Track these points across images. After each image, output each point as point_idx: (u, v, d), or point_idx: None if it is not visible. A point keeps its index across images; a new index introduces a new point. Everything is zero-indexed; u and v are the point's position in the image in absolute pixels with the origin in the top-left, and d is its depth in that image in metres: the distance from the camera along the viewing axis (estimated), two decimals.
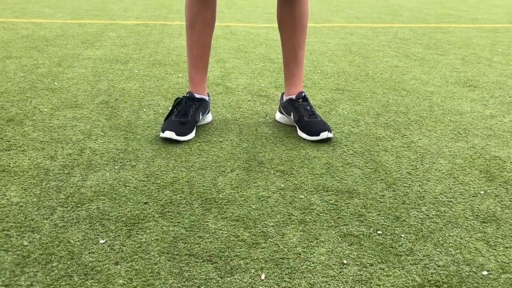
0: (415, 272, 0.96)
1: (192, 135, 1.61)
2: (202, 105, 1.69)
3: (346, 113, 1.95)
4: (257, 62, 2.83)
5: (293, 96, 1.73)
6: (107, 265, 0.95)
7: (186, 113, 1.63)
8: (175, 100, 1.69)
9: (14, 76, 2.31)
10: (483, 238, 1.09)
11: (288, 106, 1.73)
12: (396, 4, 6.23)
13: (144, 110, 1.89)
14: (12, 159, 1.42)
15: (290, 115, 1.74)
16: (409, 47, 3.41)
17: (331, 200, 1.25)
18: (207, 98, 1.73)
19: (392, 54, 3.14)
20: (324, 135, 1.60)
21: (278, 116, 1.81)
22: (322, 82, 2.42)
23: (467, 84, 2.44)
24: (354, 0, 6.67)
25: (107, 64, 2.61)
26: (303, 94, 1.73)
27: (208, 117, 1.77)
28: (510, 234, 1.11)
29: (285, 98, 1.76)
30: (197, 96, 1.69)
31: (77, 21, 4.07)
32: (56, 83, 2.21)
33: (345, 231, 1.11)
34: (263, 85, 2.32)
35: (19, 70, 2.42)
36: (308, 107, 1.70)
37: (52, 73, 2.40)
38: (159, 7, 5.22)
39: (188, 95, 1.69)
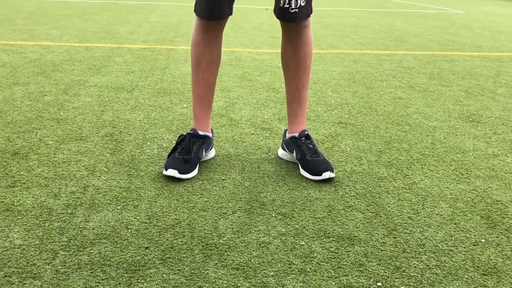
0: None
1: (194, 172, 1.62)
2: (205, 142, 1.70)
3: (349, 149, 1.95)
4: (261, 91, 2.86)
5: (296, 134, 1.74)
6: None
7: (189, 150, 1.64)
8: (179, 137, 1.71)
9: (21, 105, 2.34)
10: None
11: (291, 143, 1.74)
12: (401, 30, 6.28)
13: (148, 144, 1.91)
14: (16, 196, 1.43)
15: (292, 153, 1.75)
16: (413, 77, 3.43)
17: (332, 247, 1.25)
18: (210, 134, 1.74)
19: (396, 85, 3.16)
20: (326, 175, 1.61)
21: (281, 152, 1.83)
22: (325, 114, 2.44)
23: (470, 119, 2.45)
24: (359, 25, 6.73)
25: (113, 93, 2.64)
26: (306, 132, 1.74)
27: (211, 153, 1.79)
28: None
29: (288, 135, 1.78)
30: (201, 133, 1.71)
31: (84, 45, 4.13)
32: (62, 113, 2.24)
33: (345, 283, 1.10)
34: (266, 117, 2.34)
35: (26, 98, 2.45)
36: (311, 145, 1.71)
37: (59, 101, 2.42)
38: (166, 30, 5.29)
39: (192, 131, 1.71)
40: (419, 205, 1.50)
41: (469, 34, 6.05)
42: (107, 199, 1.44)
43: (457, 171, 1.78)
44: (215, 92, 2.73)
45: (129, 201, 1.44)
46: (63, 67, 3.23)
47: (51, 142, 1.87)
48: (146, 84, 2.88)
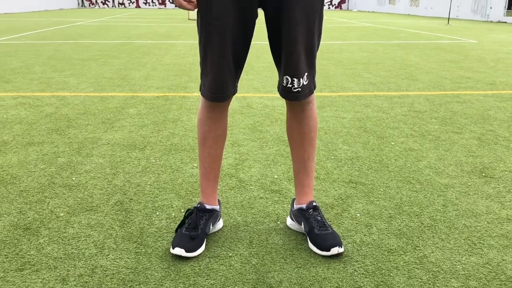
0: None
1: (201, 249, 1.62)
2: (212, 215, 1.71)
3: (358, 215, 1.93)
4: (272, 144, 2.87)
5: (304, 206, 1.73)
6: None
7: (196, 226, 1.65)
8: (186, 211, 1.71)
9: (35, 169, 2.39)
10: None
11: (299, 215, 1.73)
12: (413, 65, 6.28)
13: (157, 213, 1.92)
14: (25, 281, 1.45)
15: (301, 224, 1.74)
16: (424, 122, 3.41)
17: None
18: (218, 207, 1.75)
19: (407, 133, 3.14)
20: (334, 250, 1.59)
21: (289, 222, 1.82)
22: (335, 171, 2.43)
23: (483, 174, 2.41)
24: (371, 60, 6.76)
25: (125, 151, 2.68)
26: (314, 204, 1.73)
27: (219, 224, 1.79)
28: None
29: (295, 206, 1.77)
30: (208, 207, 1.71)
31: (99, 94, 4.22)
32: (74, 178, 2.27)
33: None
34: (276, 177, 2.34)
35: (39, 161, 2.50)
36: (319, 217, 1.70)
37: (72, 164, 2.47)
38: (179, 74, 5.38)
39: (199, 205, 1.71)
40: (429, 283, 1.47)
41: (483, 68, 6.01)
42: (114, 283, 1.44)
43: (469, 239, 1.75)
44: (225, 146, 2.75)
45: (136, 285, 1.44)
46: (78, 122, 3.30)
47: (62, 214, 1.90)
48: (158, 140, 2.91)
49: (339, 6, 38.99)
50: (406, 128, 3.25)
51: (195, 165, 2.49)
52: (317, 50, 1.57)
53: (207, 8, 1.44)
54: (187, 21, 16.56)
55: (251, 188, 2.20)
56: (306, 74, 1.54)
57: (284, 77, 1.54)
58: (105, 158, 2.57)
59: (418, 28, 14.33)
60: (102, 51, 7.49)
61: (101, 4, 36.91)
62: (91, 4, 36.77)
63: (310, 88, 1.58)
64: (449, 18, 17.13)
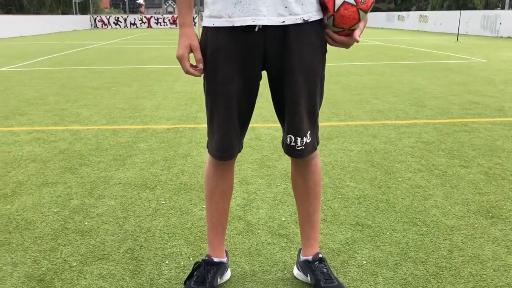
0: None
1: None
2: (220, 268, 1.75)
3: (365, 262, 1.96)
4: (279, 182, 2.91)
5: (310, 258, 1.77)
6: None
7: (204, 279, 1.69)
8: (194, 264, 1.76)
9: (49, 212, 2.46)
10: None
11: (305, 267, 1.77)
12: (421, 89, 6.31)
13: (167, 262, 1.96)
14: None
15: (307, 276, 1.77)
16: (432, 155, 3.43)
17: None
18: (225, 260, 1.79)
19: (415, 167, 3.16)
20: None
21: (296, 272, 1.85)
22: (342, 212, 2.46)
23: (490, 214, 2.42)
24: (380, 84, 6.80)
25: (136, 192, 2.74)
26: (320, 256, 1.76)
27: (227, 275, 1.82)
28: None
29: (302, 257, 1.80)
30: (215, 260, 1.75)
31: (111, 127, 4.31)
32: (86, 223, 2.33)
33: None
34: (283, 219, 2.38)
35: (53, 204, 2.57)
36: (325, 270, 1.73)
37: (84, 207, 2.53)
38: (190, 103, 5.47)
39: (206, 258, 1.76)
40: None
41: (491, 92, 6.01)
42: None
43: None
44: (234, 186, 2.80)
45: None
46: (90, 159, 3.37)
47: (75, 264, 1.95)
48: (168, 178, 2.97)
49: None
50: (414, 162, 3.28)
51: (203, 206, 2.54)
52: (320, 107, 1.62)
53: (213, 74, 1.50)
54: None
55: (258, 233, 2.23)
56: (309, 132, 1.59)
57: (288, 136, 1.59)
58: (117, 200, 2.63)
59: (427, 46, 14.36)
60: (114, 78, 7.64)
61: (113, 25, 37.55)
62: (103, 25, 37.43)
63: (313, 145, 1.63)
64: (458, 35, 17.15)
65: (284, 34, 1.46)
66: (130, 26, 37.85)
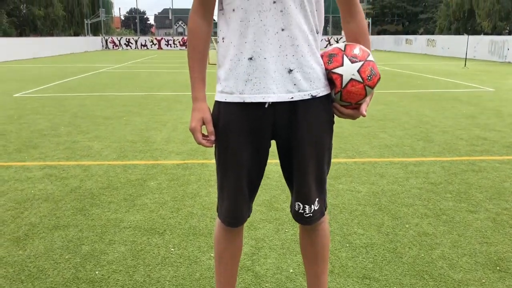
0: None
1: None
2: None
3: None
4: (288, 226, 2.94)
5: None
6: None
7: None
8: None
9: (60, 260, 2.50)
10: None
11: None
12: (429, 122, 6.33)
13: None
14: None
15: None
16: (439, 198, 3.44)
17: None
18: None
19: (422, 212, 3.18)
20: None
21: None
22: (350, 263, 2.48)
23: (498, 267, 2.43)
24: (387, 116, 6.84)
25: (145, 237, 2.78)
26: None
27: None
28: None
29: None
30: None
31: (122, 162, 4.38)
32: (97, 272, 2.37)
33: None
34: (291, 271, 2.40)
35: (65, 250, 2.62)
36: None
37: (95, 253, 2.57)
38: None
39: None
40: None
41: (499, 126, 6.02)
42: None
43: None
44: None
45: None
46: (101, 198, 3.43)
47: None
48: (177, 222, 3.01)
49: None
50: (421, 206, 3.29)
51: (211, 255, 2.57)
52: (327, 174, 1.67)
53: (224, 146, 1.56)
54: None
55: (266, 286, 2.26)
56: (317, 199, 1.63)
57: (296, 203, 1.63)
58: (127, 246, 2.67)
59: (434, 72, 14.42)
60: (125, 106, 7.75)
61: (124, 46, 38.13)
62: (114, 46, 38.02)
63: (321, 211, 1.67)
64: (466, 61, 17.20)
65: (293, 109, 1.51)
66: (141, 48, 38.40)
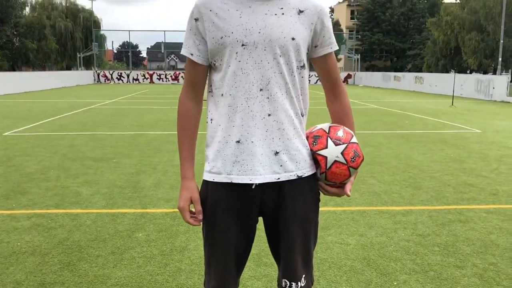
0: None
1: None
2: None
3: None
4: (276, 285, 2.93)
5: None
6: None
7: None
8: None
9: None
10: None
11: None
12: (417, 166, 6.41)
13: None
14: None
15: None
16: (427, 252, 3.47)
17: None
18: None
19: (410, 267, 3.19)
20: None
21: None
22: None
23: None
24: (376, 159, 6.92)
25: None
26: None
27: None
28: None
29: None
30: None
31: (111, 211, 4.36)
32: None
33: None
34: None
35: None
36: None
37: None
38: None
39: None
40: None
41: (486, 171, 6.11)
42: None
43: None
44: None
45: None
46: (89, 252, 3.40)
47: None
48: (164, 279, 2.99)
49: (345, 81, 40.20)
50: (409, 261, 3.31)
51: None
52: (314, 250, 1.69)
53: (212, 224, 1.59)
54: None
55: None
56: (303, 276, 1.65)
57: (283, 280, 1.65)
58: None
59: (422, 111, 14.67)
60: (115, 147, 7.76)
61: (116, 80, 38.41)
62: (106, 80, 38.29)
63: (308, 287, 1.68)
64: (453, 99, 17.56)
65: (280, 188, 1.55)
66: (133, 81, 38.70)
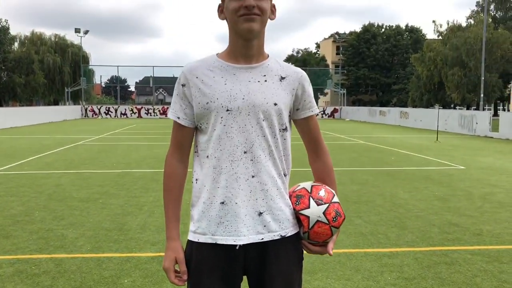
0: None
1: None
2: None
3: None
4: None
5: None
6: None
7: None
8: None
9: None
10: None
11: None
12: (402, 205, 6.47)
13: None
14: None
15: None
16: None
17: None
18: None
19: None
20: None
21: None
22: None
23: None
24: (362, 197, 6.97)
25: None
26: None
27: None
28: None
29: None
30: None
31: (96, 255, 4.32)
32: None
33: None
34: None
35: None
36: None
37: None
38: None
39: None
40: None
41: (470, 210, 6.19)
42: None
43: None
44: None
45: None
46: None
47: None
48: None
49: (332, 115, 40.70)
50: None
51: None
52: None
53: (196, 284, 1.61)
54: None
55: None
56: None
57: None
58: None
59: (408, 147, 14.87)
60: (102, 186, 7.72)
61: (104, 114, 38.43)
62: (94, 115, 38.28)
63: None
64: (437, 134, 17.85)
65: (263, 248, 1.58)
66: (121, 116, 38.74)
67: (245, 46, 1.59)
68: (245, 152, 1.56)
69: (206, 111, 1.58)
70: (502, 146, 15.56)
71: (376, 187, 7.84)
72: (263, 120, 1.58)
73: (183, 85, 1.62)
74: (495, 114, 35.97)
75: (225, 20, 1.62)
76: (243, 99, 1.57)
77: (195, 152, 1.67)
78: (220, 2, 1.64)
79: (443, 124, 22.59)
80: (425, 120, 24.96)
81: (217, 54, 1.66)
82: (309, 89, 1.69)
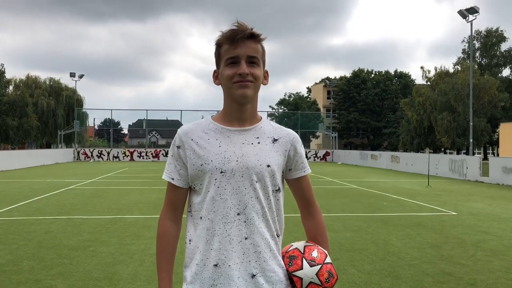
0: None
1: None
2: None
3: None
4: None
5: None
6: None
7: None
8: None
9: None
10: None
11: None
12: (395, 253, 6.45)
13: None
14: None
15: None
16: None
17: None
18: None
19: None
20: None
21: None
22: None
23: None
24: (355, 245, 6.94)
25: None
26: None
27: None
28: None
29: None
30: None
31: None
32: None
33: None
34: None
35: None
36: None
37: None
38: None
39: None
40: None
41: (463, 259, 6.17)
42: None
43: None
44: None
45: None
46: None
47: None
48: None
49: (324, 158, 40.92)
50: None
51: None
52: None
53: None
54: None
55: None
56: None
57: None
58: None
59: (400, 192, 14.92)
60: (93, 233, 7.63)
61: (96, 158, 38.32)
62: (86, 158, 38.16)
63: None
64: (429, 179, 17.96)
65: None
66: (113, 159, 38.65)
67: (239, 110, 1.66)
68: (238, 214, 1.60)
69: (200, 172, 1.62)
70: (492, 192, 15.66)
71: (370, 234, 7.82)
72: (256, 182, 1.62)
73: (178, 147, 1.67)
74: (485, 158, 36.27)
75: (220, 86, 1.70)
76: (237, 161, 1.62)
77: (189, 211, 1.70)
78: (215, 68, 1.72)
79: (434, 169, 22.76)
80: (416, 164, 25.16)
81: (211, 116, 1.73)
82: (301, 150, 1.74)
